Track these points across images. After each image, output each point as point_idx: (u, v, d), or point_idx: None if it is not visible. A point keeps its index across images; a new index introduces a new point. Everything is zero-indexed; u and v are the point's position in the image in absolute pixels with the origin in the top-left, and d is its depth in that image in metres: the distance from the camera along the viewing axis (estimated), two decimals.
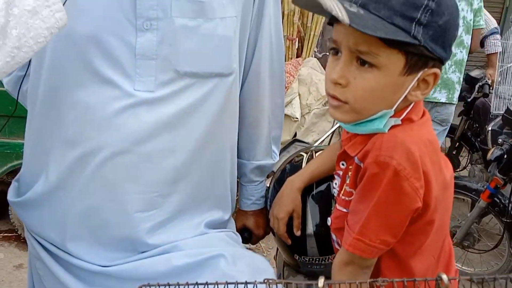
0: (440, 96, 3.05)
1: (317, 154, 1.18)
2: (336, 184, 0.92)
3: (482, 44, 3.65)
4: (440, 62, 0.79)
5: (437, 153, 0.79)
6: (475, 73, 3.52)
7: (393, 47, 0.74)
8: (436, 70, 0.79)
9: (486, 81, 3.38)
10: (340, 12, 0.72)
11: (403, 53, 0.75)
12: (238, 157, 1.19)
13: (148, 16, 0.96)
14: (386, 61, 0.76)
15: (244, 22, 1.05)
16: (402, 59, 0.76)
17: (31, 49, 0.79)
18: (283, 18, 3.20)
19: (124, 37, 0.96)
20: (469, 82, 3.50)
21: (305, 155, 1.20)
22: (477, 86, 3.43)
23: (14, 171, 2.55)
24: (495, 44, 3.57)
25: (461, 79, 3.14)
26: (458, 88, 3.10)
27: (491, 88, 3.37)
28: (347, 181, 0.86)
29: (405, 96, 0.79)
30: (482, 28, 3.25)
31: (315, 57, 3.59)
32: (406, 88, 0.78)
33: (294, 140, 1.78)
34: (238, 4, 1.02)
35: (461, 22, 2.96)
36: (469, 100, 3.47)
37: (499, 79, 3.33)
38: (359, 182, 0.80)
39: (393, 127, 0.79)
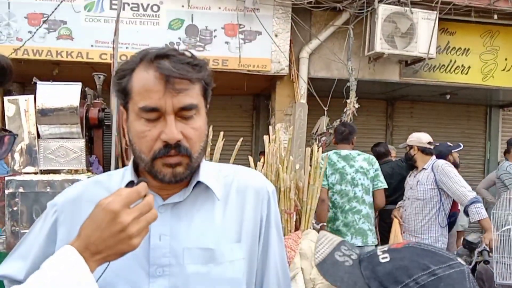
0: (356, 241, 3.95)
1: None
2: None
3: (467, 214, 3.72)
4: None
5: None
6: (471, 237, 3.52)
7: None
8: None
9: (485, 247, 3.37)
10: (320, 255, 0.78)
11: None
12: None
13: (161, 263, 0.98)
14: None
15: (251, 261, 1.08)
16: None
17: None
18: (279, 194, 3.29)
19: (137, 284, 0.97)
20: (468, 247, 3.48)
21: None
22: (476, 251, 3.41)
23: None
24: (477, 212, 3.63)
25: (372, 227, 4.02)
26: (370, 233, 4.00)
27: (490, 253, 3.34)
28: None
29: None
30: (384, 189, 4.12)
31: (313, 228, 3.60)
32: None
33: None
34: (245, 245, 1.06)
35: (360, 187, 4.00)
36: (470, 266, 3.41)
37: (497, 244, 3.32)
38: None
39: None
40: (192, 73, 0.97)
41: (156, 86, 0.95)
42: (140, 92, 0.97)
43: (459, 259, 0.79)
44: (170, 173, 0.98)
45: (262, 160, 3.37)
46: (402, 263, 0.76)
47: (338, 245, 0.82)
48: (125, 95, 1.01)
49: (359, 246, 3.91)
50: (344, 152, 4.14)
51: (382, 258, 0.78)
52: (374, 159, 4.13)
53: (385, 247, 0.82)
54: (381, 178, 4.09)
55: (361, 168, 4.04)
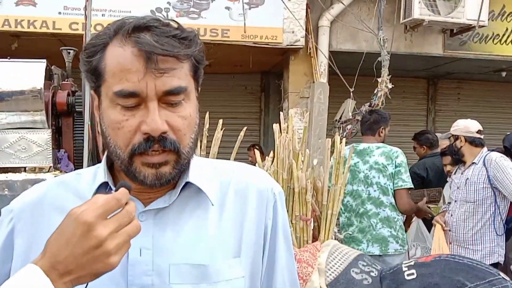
0: (373, 249, 4.07)
1: None
2: None
3: None
4: None
5: None
6: None
7: None
8: None
9: None
10: (332, 272, 0.84)
11: None
12: None
13: (142, 283, 0.98)
14: None
15: (253, 279, 1.09)
16: None
17: None
18: (294, 197, 3.28)
19: None
20: None
21: None
22: None
23: None
24: None
25: (396, 232, 4.09)
26: (392, 240, 4.07)
27: None
28: None
29: None
30: (408, 188, 4.14)
31: (335, 238, 3.60)
32: None
33: None
34: (245, 262, 1.07)
35: (375, 186, 4.10)
36: None
37: None
38: None
39: None
40: (179, 49, 0.97)
41: (134, 66, 0.95)
42: (114, 73, 0.97)
43: (502, 274, 0.78)
44: (153, 175, 0.98)
45: (253, 154, 3.38)
46: (432, 280, 0.77)
47: (354, 260, 0.82)
48: (96, 76, 1.01)
49: (377, 255, 4.04)
50: (362, 145, 4.27)
51: (408, 275, 0.79)
52: (398, 153, 4.17)
53: (412, 261, 0.82)
54: (404, 175, 4.12)
55: (376, 164, 4.14)
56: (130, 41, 0.96)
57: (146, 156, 0.97)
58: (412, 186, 4.23)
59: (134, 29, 0.97)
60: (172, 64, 0.96)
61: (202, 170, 1.10)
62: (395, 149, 4.20)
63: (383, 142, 4.33)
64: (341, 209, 4.17)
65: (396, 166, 4.12)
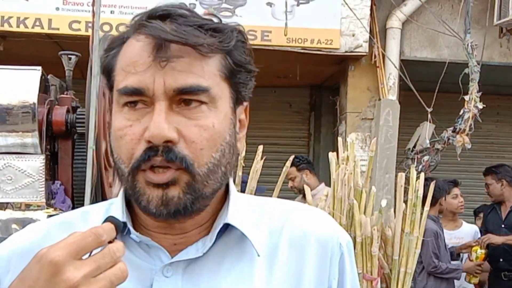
0: None
1: None
2: None
3: None
4: None
5: None
6: None
7: None
8: None
9: None
10: None
11: None
12: None
13: None
14: None
15: None
16: None
17: None
18: (355, 249, 3.25)
19: None
20: None
21: None
22: None
23: None
24: None
25: None
26: None
27: None
28: None
29: None
30: None
31: None
32: None
33: None
34: None
35: None
36: None
37: None
38: None
39: None
40: (200, 39, 0.98)
41: (141, 57, 0.98)
42: (122, 68, 1.01)
43: None
44: (158, 198, 0.98)
45: None
46: None
47: None
48: (107, 76, 1.05)
49: None
50: None
51: None
52: None
53: None
54: None
55: None
56: (143, 30, 0.99)
57: (151, 172, 0.98)
58: None
59: (149, 17, 1.00)
60: (189, 57, 0.98)
61: (246, 210, 1.10)
62: None
63: None
64: None
65: None
